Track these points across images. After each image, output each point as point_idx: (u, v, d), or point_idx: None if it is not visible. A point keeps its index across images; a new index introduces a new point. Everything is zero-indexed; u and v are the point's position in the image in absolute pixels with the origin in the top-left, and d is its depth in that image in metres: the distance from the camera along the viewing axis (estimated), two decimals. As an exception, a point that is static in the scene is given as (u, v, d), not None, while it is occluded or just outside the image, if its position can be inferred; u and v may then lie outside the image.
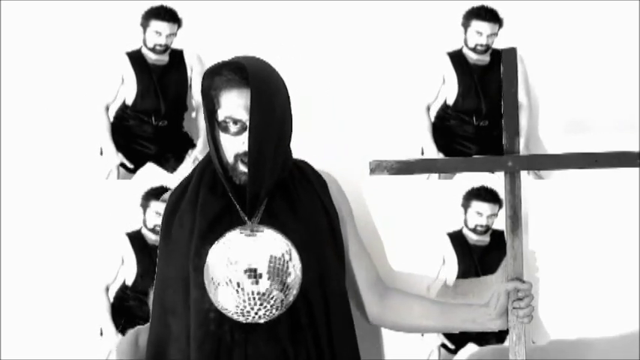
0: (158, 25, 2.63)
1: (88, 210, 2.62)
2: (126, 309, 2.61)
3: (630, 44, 2.60)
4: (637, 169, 2.46)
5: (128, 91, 2.63)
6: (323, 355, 2.14)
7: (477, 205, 2.61)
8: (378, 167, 2.20)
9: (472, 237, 2.62)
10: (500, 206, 2.59)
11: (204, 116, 2.15)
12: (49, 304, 2.61)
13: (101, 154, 2.63)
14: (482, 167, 2.28)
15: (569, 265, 2.60)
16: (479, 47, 2.61)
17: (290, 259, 2.07)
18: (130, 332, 2.37)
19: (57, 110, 2.62)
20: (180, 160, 2.64)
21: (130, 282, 2.61)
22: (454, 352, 2.63)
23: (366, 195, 2.50)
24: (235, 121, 2.10)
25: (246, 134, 2.08)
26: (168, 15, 2.62)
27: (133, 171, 2.63)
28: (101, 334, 2.61)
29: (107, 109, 2.63)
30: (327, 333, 2.15)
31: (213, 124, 2.14)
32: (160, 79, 2.63)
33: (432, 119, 2.63)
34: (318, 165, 2.31)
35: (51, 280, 2.61)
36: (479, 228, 2.61)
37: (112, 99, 2.63)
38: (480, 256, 2.62)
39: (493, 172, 2.57)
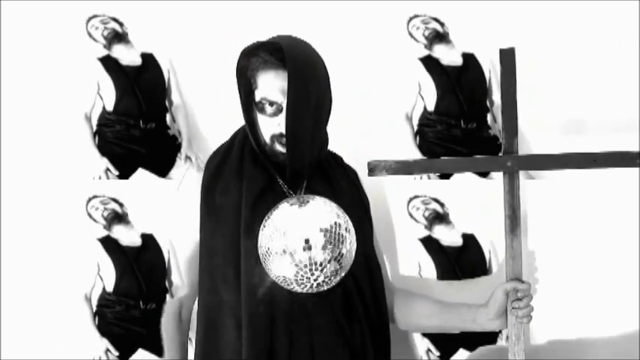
0: (92, 22, 2.63)
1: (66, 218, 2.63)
2: (112, 315, 2.62)
3: (630, 44, 2.60)
4: (637, 169, 2.46)
5: (107, 96, 2.63)
6: (376, 333, 2.18)
7: (412, 204, 2.65)
8: (377, 167, 2.20)
9: (444, 239, 2.63)
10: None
11: (239, 96, 2.15)
12: (48, 305, 2.62)
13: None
14: (481, 167, 2.28)
15: (569, 265, 2.60)
16: (425, 34, 2.61)
17: (345, 224, 2.03)
18: (171, 305, 2.29)
19: (35, 120, 2.63)
20: (171, 162, 2.64)
21: (110, 287, 2.62)
22: (442, 358, 2.64)
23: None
24: (271, 103, 2.10)
25: (281, 116, 2.09)
26: (93, 15, 2.63)
27: (123, 177, 2.63)
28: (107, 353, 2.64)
29: (87, 116, 2.63)
30: (377, 314, 2.19)
31: (250, 105, 2.14)
32: (136, 80, 2.63)
33: (415, 127, 2.64)
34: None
35: (48, 282, 2.62)
36: (425, 214, 2.63)
37: (91, 106, 2.63)
38: (456, 258, 2.63)
39: (492, 172, 2.58)
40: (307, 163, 2.12)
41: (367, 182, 2.34)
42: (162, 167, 2.64)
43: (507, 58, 2.19)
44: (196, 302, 2.24)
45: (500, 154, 2.21)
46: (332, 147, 2.28)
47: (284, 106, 2.08)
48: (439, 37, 2.62)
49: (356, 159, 2.35)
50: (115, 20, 2.63)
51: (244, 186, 2.15)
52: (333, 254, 1.99)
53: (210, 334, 2.16)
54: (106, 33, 2.62)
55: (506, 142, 2.20)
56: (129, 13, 2.63)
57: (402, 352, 2.62)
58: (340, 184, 2.24)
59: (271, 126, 2.11)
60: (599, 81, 2.60)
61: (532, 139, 2.62)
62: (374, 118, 2.63)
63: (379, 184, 2.55)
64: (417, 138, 2.64)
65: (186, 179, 2.24)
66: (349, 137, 2.53)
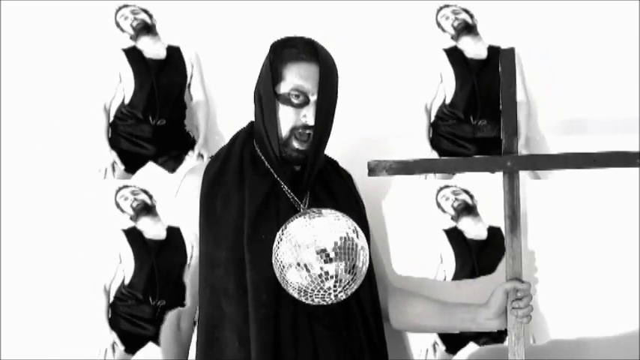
0: (121, 13, 2.64)
1: (83, 209, 2.62)
2: (123, 309, 2.62)
3: (630, 44, 2.60)
4: (637, 169, 2.46)
5: (127, 89, 2.64)
6: (373, 340, 2.19)
7: (441, 194, 2.64)
8: (377, 167, 2.20)
9: (469, 231, 2.62)
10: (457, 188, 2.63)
11: (258, 90, 2.17)
12: (48, 304, 2.62)
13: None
14: (481, 167, 2.27)
15: (569, 265, 2.60)
16: (455, 24, 2.62)
17: (357, 237, 2.06)
18: (171, 316, 2.30)
19: (56, 110, 2.63)
20: (179, 161, 2.63)
21: (127, 280, 2.62)
22: (448, 351, 2.64)
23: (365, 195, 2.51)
24: (300, 94, 2.13)
25: (307, 107, 2.12)
26: (124, 5, 2.63)
27: (130, 171, 2.64)
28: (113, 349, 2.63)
29: (105, 108, 2.63)
30: (374, 320, 2.20)
31: (273, 95, 2.15)
32: (157, 75, 2.63)
33: (432, 119, 2.64)
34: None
35: (50, 279, 2.62)
36: (455, 204, 2.63)
37: (111, 97, 2.63)
38: (477, 252, 2.62)
39: (492, 173, 2.57)
40: (320, 162, 2.16)
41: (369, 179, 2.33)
42: (172, 164, 2.64)
43: (507, 58, 2.19)
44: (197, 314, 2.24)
45: (501, 154, 2.21)
46: (347, 134, 2.31)
47: (311, 98, 2.12)
48: (467, 28, 2.62)
49: (371, 149, 2.36)
50: (145, 11, 2.63)
51: (246, 195, 2.14)
52: (348, 266, 2.02)
53: (211, 347, 2.15)
54: (135, 24, 2.62)
55: (506, 142, 2.20)
56: (159, 5, 2.63)
57: (407, 346, 2.61)
58: (338, 192, 2.25)
59: (295, 117, 2.13)
60: (599, 81, 2.60)
61: (531, 139, 2.62)
62: (393, 106, 2.63)
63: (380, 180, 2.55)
64: (431, 130, 2.64)
65: (185, 185, 2.22)
66: (365, 125, 2.58)
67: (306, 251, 2.01)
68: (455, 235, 2.63)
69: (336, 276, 2.01)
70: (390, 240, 2.63)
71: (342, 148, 2.37)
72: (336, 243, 2.02)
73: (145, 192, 2.62)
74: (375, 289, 2.26)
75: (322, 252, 2.00)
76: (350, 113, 2.24)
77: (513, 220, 2.20)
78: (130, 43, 2.63)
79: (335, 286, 2.01)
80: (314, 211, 2.07)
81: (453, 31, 2.63)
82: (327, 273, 2.00)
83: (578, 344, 2.62)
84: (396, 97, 2.63)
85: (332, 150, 2.28)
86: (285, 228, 2.06)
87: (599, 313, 2.60)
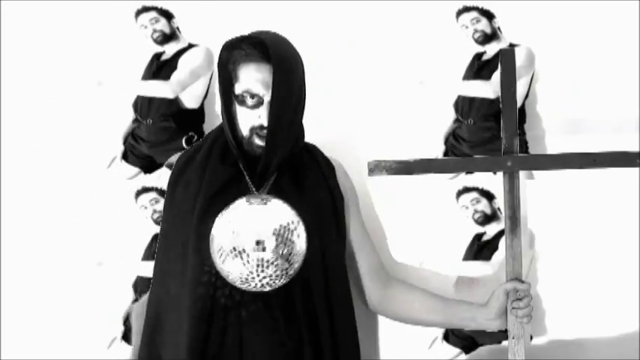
0: (140, 20, 2.65)
1: (91, 202, 2.64)
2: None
3: (630, 44, 2.60)
4: (637, 169, 2.46)
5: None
6: (318, 328, 2.16)
7: (460, 201, 2.64)
8: (377, 167, 2.20)
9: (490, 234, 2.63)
10: (477, 192, 2.61)
11: (219, 88, 2.17)
12: (48, 304, 2.62)
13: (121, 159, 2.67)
14: (481, 167, 2.27)
15: (569, 265, 2.60)
16: (475, 36, 2.61)
17: (296, 228, 2.10)
18: (145, 296, 2.34)
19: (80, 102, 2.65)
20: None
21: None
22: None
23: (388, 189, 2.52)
24: (253, 95, 2.12)
25: (262, 108, 2.12)
26: (142, 8, 2.64)
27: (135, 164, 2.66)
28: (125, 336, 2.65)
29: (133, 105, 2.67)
30: (325, 307, 2.17)
31: (230, 97, 2.16)
32: (155, 75, 2.64)
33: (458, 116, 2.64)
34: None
35: (51, 278, 2.62)
36: (475, 216, 2.62)
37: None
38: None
39: (493, 173, 2.58)
40: (280, 156, 2.14)
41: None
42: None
43: (507, 58, 2.19)
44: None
45: (501, 155, 2.21)
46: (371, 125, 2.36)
47: (265, 99, 2.11)
48: (488, 36, 2.61)
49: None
50: (165, 14, 2.64)
51: (205, 180, 2.17)
52: (281, 255, 2.07)
53: (154, 326, 2.19)
54: (155, 36, 2.64)
55: (506, 142, 2.20)
56: (180, 4, 2.65)
57: (416, 334, 2.62)
58: (309, 182, 2.23)
59: (251, 118, 2.13)
60: (599, 81, 2.59)
61: (532, 139, 2.62)
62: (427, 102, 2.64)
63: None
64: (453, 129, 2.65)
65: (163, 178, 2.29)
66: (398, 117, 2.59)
67: (242, 238, 2.07)
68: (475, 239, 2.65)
69: (271, 263, 2.06)
70: (398, 231, 2.62)
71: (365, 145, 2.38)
72: (274, 230, 2.07)
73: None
74: (335, 286, 2.22)
75: (258, 240, 2.07)
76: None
77: (513, 220, 2.21)
78: (156, 48, 2.66)
79: (265, 272, 2.06)
80: (260, 198, 2.12)
81: (473, 42, 2.63)
82: (261, 260, 2.06)
83: (578, 344, 2.62)
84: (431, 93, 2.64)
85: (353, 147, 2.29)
86: (225, 211, 2.10)
87: (599, 312, 2.60)
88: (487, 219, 2.62)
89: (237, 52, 2.13)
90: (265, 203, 2.11)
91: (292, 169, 2.22)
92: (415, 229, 2.62)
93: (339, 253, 2.24)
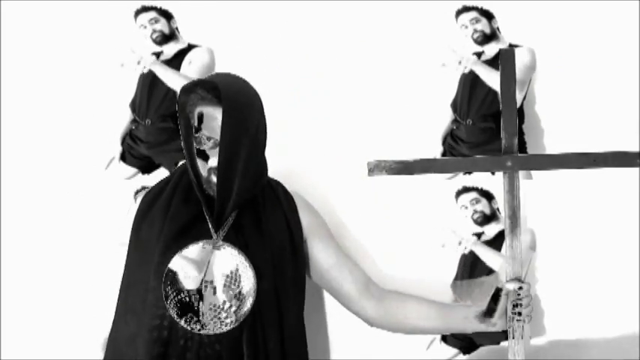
0: (140, 20, 2.65)
1: (89, 201, 2.64)
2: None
3: (630, 44, 2.60)
4: (637, 169, 2.46)
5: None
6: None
7: (459, 201, 2.64)
8: (376, 167, 2.20)
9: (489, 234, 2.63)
10: (477, 192, 2.62)
11: (179, 130, 2.20)
12: (48, 304, 2.62)
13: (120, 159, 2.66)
14: (481, 167, 2.27)
15: (569, 265, 2.60)
16: (474, 36, 2.61)
17: (244, 274, 2.15)
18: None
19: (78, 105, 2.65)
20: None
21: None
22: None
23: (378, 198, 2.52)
24: (209, 138, 2.16)
25: (217, 150, 2.13)
26: (142, 8, 2.64)
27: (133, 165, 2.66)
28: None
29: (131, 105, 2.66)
30: (279, 344, 2.20)
31: (190, 138, 2.19)
32: (156, 75, 2.64)
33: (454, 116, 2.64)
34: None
35: (51, 278, 2.62)
36: (474, 217, 2.62)
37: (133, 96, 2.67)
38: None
39: (492, 173, 2.58)
40: (235, 198, 2.15)
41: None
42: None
43: (506, 58, 2.19)
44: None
45: (501, 155, 2.21)
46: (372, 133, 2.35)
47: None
48: (487, 37, 2.61)
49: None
50: (164, 14, 2.63)
51: (167, 220, 2.20)
52: (228, 300, 2.13)
53: None
54: (154, 36, 2.64)
55: (505, 142, 2.20)
56: (179, 4, 2.64)
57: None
58: (268, 219, 2.26)
59: (209, 160, 2.17)
60: (599, 81, 2.60)
61: (532, 139, 2.62)
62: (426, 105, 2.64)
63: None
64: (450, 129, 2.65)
65: (133, 206, 2.30)
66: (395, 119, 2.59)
67: (194, 283, 2.13)
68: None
69: (219, 306, 2.13)
70: (396, 242, 2.63)
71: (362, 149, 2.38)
72: (223, 276, 2.14)
73: None
74: (290, 316, 2.24)
75: (209, 283, 2.14)
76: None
77: (513, 220, 2.20)
78: (155, 48, 2.65)
79: (216, 314, 2.12)
80: (215, 243, 2.17)
81: (474, 36, 2.62)
82: (211, 304, 2.13)
83: (578, 344, 2.62)
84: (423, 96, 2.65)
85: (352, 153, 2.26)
86: (177, 255, 2.15)
87: (598, 312, 2.60)
88: (486, 219, 2.62)
89: (193, 95, 2.17)
90: (218, 249, 2.16)
91: (252, 208, 2.24)
92: (415, 229, 2.63)
93: (296, 291, 2.27)
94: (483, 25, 2.61)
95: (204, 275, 2.14)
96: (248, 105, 2.15)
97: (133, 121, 2.65)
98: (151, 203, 2.25)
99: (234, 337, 2.15)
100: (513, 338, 2.20)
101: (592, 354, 2.61)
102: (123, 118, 2.65)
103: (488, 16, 2.62)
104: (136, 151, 2.65)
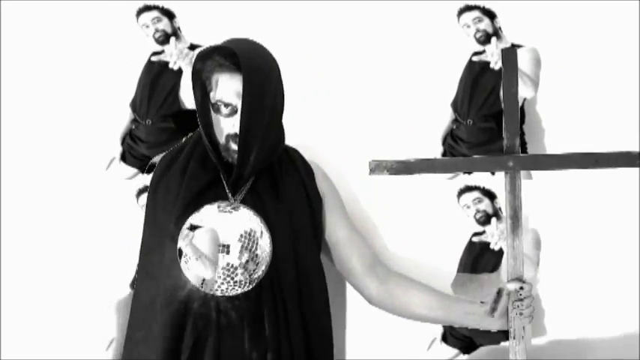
0: (142, 19, 2.65)
1: (89, 201, 2.64)
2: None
3: (630, 44, 2.60)
4: (637, 169, 2.46)
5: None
6: (289, 333, 2.17)
7: (462, 201, 2.64)
8: (377, 167, 2.20)
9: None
10: (479, 191, 2.62)
11: (194, 97, 2.18)
12: (48, 304, 2.61)
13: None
14: (482, 167, 2.27)
15: (569, 265, 2.60)
16: (477, 36, 2.62)
17: (260, 236, 2.14)
18: (129, 294, 2.40)
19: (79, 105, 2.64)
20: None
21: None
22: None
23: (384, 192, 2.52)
24: (226, 105, 2.15)
25: (236, 117, 2.14)
26: (144, 7, 2.64)
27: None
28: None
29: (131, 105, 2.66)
30: (298, 311, 2.19)
31: (206, 105, 2.18)
32: (157, 75, 2.64)
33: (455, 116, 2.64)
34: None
35: (51, 278, 2.62)
36: (477, 216, 2.62)
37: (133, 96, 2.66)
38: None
39: (493, 173, 2.58)
40: (254, 163, 2.15)
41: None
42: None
43: (509, 58, 2.19)
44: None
45: (502, 155, 2.21)
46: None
47: (239, 107, 2.13)
48: (489, 36, 2.61)
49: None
50: (167, 13, 2.63)
51: (184, 184, 2.19)
52: (245, 262, 2.11)
53: (137, 328, 2.21)
54: (157, 35, 2.64)
55: (507, 142, 2.20)
56: (182, 4, 2.64)
57: (414, 334, 2.62)
58: (285, 185, 2.26)
59: (227, 126, 2.16)
60: (599, 81, 2.60)
61: (532, 139, 2.62)
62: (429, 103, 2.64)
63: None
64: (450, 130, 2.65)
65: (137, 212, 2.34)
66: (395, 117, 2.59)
67: (209, 243, 2.12)
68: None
69: (235, 267, 2.10)
70: (398, 231, 2.63)
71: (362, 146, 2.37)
72: (239, 237, 2.12)
73: None
74: (311, 287, 2.24)
75: (222, 244, 2.12)
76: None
77: (515, 220, 2.21)
78: (157, 48, 2.65)
79: (231, 276, 2.10)
80: (227, 205, 2.15)
81: (477, 36, 2.62)
82: (226, 264, 2.11)
83: (578, 344, 2.62)
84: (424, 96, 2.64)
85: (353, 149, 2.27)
86: (192, 217, 2.14)
87: (598, 312, 2.61)
88: (489, 218, 2.62)
89: (210, 62, 2.16)
90: (232, 211, 2.15)
91: (270, 174, 2.24)
92: (415, 229, 2.63)
93: (314, 256, 2.26)
94: (486, 25, 2.61)
95: (220, 235, 2.13)
96: (267, 70, 2.15)
97: (134, 120, 2.65)
98: (166, 167, 2.24)
99: (253, 300, 2.14)
100: (514, 338, 2.20)
101: (592, 354, 2.61)
102: (123, 117, 2.65)
103: (490, 15, 2.62)
104: (137, 151, 2.65)
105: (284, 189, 2.24)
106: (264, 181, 2.22)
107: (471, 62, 2.62)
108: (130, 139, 2.65)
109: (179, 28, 2.64)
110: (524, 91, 2.57)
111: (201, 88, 2.18)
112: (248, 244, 2.12)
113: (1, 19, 2.62)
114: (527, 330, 2.21)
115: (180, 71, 2.65)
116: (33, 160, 2.62)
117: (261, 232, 2.14)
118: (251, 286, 2.13)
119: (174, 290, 2.14)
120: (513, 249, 2.21)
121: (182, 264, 2.12)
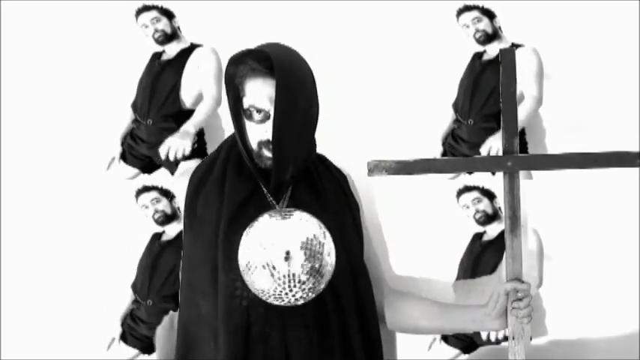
0: (141, 19, 2.65)
1: (89, 203, 2.64)
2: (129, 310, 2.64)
3: (630, 44, 2.60)
4: (637, 169, 2.46)
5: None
6: (351, 341, 2.15)
7: (461, 201, 2.64)
8: (376, 167, 2.20)
9: (491, 234, 2.63)
10: (479, 191, 2.62)
11: (228, 102, 2.15)
12: (48, 304, 2.62)
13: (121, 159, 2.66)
14: (481, 167, 2.27)
15: (570, 266, 2.60)
16: (476, 36, 2.61)
17: (324, 240, 2.07)
18: (166, 317, 2.37)
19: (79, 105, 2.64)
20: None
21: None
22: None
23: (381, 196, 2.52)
24: (259, 110, 2.10)
25: (269, 123, 2.09)
26: (143, 7, 2.64)
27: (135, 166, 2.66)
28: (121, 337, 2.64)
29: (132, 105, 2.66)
30: (357, 320, 2.17)
31: (239, 111, 2.14)
32: (158, 75, 2.64)
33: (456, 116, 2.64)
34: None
35: (52, 279, 2.62)
36: (476, 216, 2.62)
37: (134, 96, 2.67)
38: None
39: (493, 173, 2.58)
40: (292, 170, 2.12)
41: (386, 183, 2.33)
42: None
43: (507, 58, 2.19)
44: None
45: (501, 155, 2.21)
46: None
47: (271, 113, 2.08)
48: (489, 36, 2.61)
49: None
50: (166, 13, 2.63)
51: (225, 197, 2.15)
52: (311, 268, 2.03)
53: (189, 346, 2.17)
54: (156, 36, 2.64)
55: (506, 142, 2.20)
56: (182, 4, 2.64)
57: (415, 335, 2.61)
58: (327, 191, 2.23)
59: (259, 132, 2.12)
60: (599, 81, 2.60)
61: (532, 139, 2.62)
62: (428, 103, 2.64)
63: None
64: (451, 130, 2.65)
65: (178, 190, 2.26)
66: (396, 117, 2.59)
67: (270, 251, 2.02)
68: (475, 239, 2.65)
69: (299, 277, 2.02)
70: (397, 241, 2.63)
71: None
72: (302, 244, 2.03)
73: (166, 193, 2.62)
74: (364, 295, 2.23)
75: (286, 253, 2.02)
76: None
77: (514, 220, 2.20)
78: (157, 48, 2.66)
79: (297, 287, 2.03)
80: (282, 212, 2.08)
81: (477, 36, 2.62)
82: (290, 274, 2.02)
83: (578, 344, 2.62)
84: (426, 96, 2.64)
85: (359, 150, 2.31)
86: (250, 228, 2.07)
87: (599, 313, 2.60)
88: (488, 219, 2.62)
89: (242, 66, 2.11)
90: (287, 217, 2.07)
91: (308, 180, 2.21)
92: (415, 229, 2.63)
93: (362, 260, 2.25)
94: (485, 25, 2.61)
95: (280, 245, 2.03)
96: (301, 76, 2.10)
97: (134, 120, 2.65)
98: (202, 179, 2.20)
99: (317, 308, 2.10)
100: (513, 338, 2.20)
101: (592, 354, 2.61)
102: (124, 117, 2.65)
103: (489, 15, 2.62)
104: (137, 151, 2.65)
105: (324, 194, 2.21)
106: (303, 187, 2.19)
107: (472, 62, 2.62)
108: (130, 138, 2.65)
109: (179, 28, 2.65)
110: (531, 107, 2.59)
111: (234, 94, 2.14)
112: (312, 251, 2.04)
113: (1, 19, 2.62)
114: (526, 330, 2.21)
115: (180, 71, 2.65)
116: (33, 160, 2.63)
117: (324, 234, 2.07)
118: (316, 293, 2.06)
119: (233, 302, 2.09)
120: (512, 249, 2.21)
121: (246, 278, 2.05)
